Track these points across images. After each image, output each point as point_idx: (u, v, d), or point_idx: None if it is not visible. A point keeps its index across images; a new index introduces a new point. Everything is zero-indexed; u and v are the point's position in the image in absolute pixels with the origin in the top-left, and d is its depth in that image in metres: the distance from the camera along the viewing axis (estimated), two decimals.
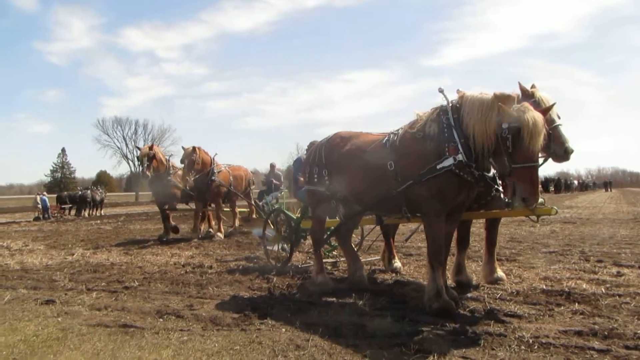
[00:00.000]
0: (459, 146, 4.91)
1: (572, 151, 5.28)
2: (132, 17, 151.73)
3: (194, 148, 12.03)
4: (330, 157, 6.30)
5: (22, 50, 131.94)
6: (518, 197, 4.61)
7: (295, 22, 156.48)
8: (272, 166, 15.62)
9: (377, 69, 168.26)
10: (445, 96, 5.24)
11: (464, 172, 4.92)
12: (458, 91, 5.19)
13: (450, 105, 5.15)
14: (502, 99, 4.69)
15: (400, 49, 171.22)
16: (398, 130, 5.63)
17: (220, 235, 12.44)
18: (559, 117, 5.41)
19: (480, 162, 4.95)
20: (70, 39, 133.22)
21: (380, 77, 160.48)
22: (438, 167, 4.97)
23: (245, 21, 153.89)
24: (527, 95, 5.37)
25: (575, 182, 69.90)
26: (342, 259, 8.29)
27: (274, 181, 14.70)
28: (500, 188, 5.27)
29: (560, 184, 57.59)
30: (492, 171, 5.15)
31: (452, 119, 5.04)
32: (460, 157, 4.89)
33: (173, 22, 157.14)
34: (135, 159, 13.05)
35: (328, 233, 7.09)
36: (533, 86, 5.55)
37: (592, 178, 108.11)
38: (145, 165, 12.20)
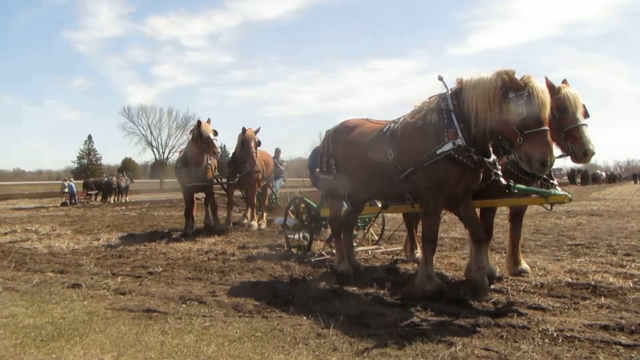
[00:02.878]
0: (458, 131, 5.00)
1: (592, 153, 5.17)
2: (159, 6, 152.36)
3: (259, 128, 11.32)
4: (336, 146, 6.37)
5: (51, 39, 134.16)
6: (536, 163, 4.61)
7: (320, 10, 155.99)
8: (278, 151, 15.21)
9: (403, 57, 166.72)
10: (444, 84, 5.35)
11: (463, 157, 4.98)
12: (457, 79, 5.25)
13: (450, 92, 5.24)
14: (504, 74, 4.76)
15: (426, 37, 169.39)
16: (399, 119, 5.66)
17: (255, 224, 11.74)
18: (588, 116, 5.28)
19: (481, 143, 5.04)
20: (97, 27, 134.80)
21: (406, 66, 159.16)
22: (438, 152, 5.04)
23: (271, 9, 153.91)
24: (553, 91, 5.26)
25: (603, 174, 68.38)
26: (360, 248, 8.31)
27: (279, 166, 14.60)
28: (500, 172, 5.32)
29: (587, 176, 56.43)
30: (493, 157, 5.25)
31: (452, 105, 5.13)
32: (459, 141, 4.98)
33: (198, 10, 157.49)
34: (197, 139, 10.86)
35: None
36: (564, 81, 5.43)
37: (620, 170, 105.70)
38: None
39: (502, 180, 5.33)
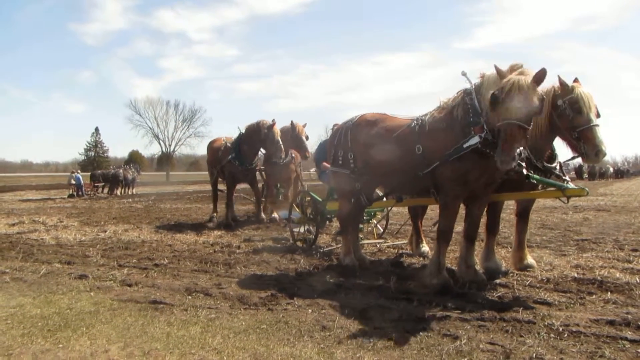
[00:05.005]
0: (484, 125, 5.00)
1: (604, 155, 5.16)
2: None
3: (305, 124, 11.21)
4: (356, 140, 6.30)
5: (58, 31, 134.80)
6: (502, 155, 4.59)
7: (327, 3, 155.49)
8: None
9: (409, 51, 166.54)
10: (468, 79, 5.36)
11: (490, 150, 4.97)
12: (481, 73, 5.28)
13: (474, 87, 5.25)
14: (513, 68, 4.81)
15: (432, 31, 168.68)
16: (426, 114, 5.66)
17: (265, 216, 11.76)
18: (599, 116, 5.25)
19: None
20: (104, 20, 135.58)
21: (412, 60, 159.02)
22: (465, 146, 5.05)
23: (277, 3, 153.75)
24: (566, 90, 5.23)
25: (611, 169, 67.78)
26: (366, 241, 8.31)
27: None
28: (523, 164, 5.34)
29: (595, 171, 55.97)
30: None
31: (476, 99, 5.15)
32: (485, 134, 4.98)
33: (205, 4, 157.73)
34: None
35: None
36: (576, 80, 5.39)
37: (628, 165, 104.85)
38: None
39: (524, 171, 5.35)
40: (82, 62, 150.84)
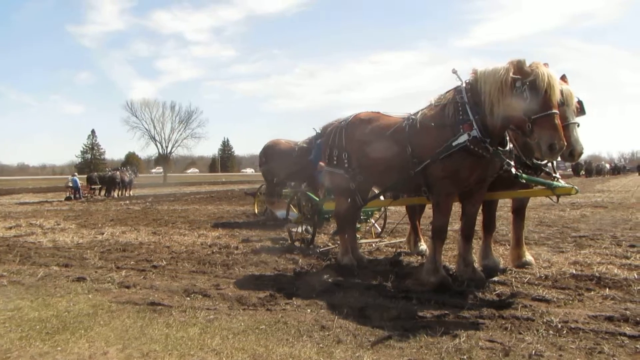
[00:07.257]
0: (473, 123, 5.02)
1: (579, 154, 5.17)
2: (162, 0, 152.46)
3: None
4: (350, 139, 6.31)
5: (55, 33, 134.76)
6: (544, 147, 4.60)
7: (324, 3, 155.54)
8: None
9: (407, 50, 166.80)
10: (458, 77, 5.37)
11: (479, 148, 5.00)
12: (473, 70, 5.28)
13: (464, 85, 5.26)
14: (515, 63, 4.82)
15: (430, 29, 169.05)
16: (417, 113, 5.65)
17: None
18: (584, 113, 5.25)
19: (496, 134, 5.07)
20: (101, 22, 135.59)
21: (410, 58, 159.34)
22: (453, 144, 5.06)
23: (275, 2, 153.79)
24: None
25: (607, 165, 67.94)
26: (364, 240, 8.31)
27: None
28: (512, 162, 5.33)
29: (592, 168, 56.17)
30: (509, 146, 5.28)
31: (466, 97, 5.17)
32: (474, 132, 5.00)
33: (202, 4, 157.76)
34: None
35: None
36: (563, 77, 5.40)
37: (624, 161, 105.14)
38: None
39: (513, 170, 5.34)
40: (79, 63, 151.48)
